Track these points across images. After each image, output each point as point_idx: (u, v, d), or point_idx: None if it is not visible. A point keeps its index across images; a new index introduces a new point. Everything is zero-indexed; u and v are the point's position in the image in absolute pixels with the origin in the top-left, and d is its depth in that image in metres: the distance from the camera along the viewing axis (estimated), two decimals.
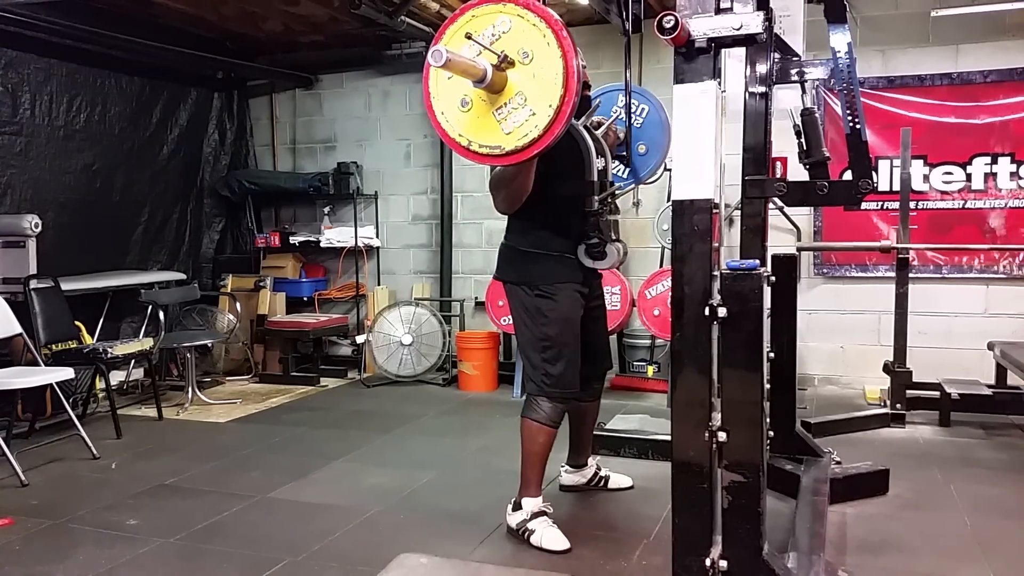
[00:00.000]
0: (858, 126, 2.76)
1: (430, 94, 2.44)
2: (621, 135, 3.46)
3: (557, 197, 2.89)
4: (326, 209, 6.63)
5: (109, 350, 4.58)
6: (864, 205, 4.58)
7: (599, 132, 3.14)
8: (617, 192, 3.00)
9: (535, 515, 2.92)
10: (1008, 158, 5.13)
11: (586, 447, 3.44)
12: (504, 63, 2.29)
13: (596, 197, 2.88)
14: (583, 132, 2.93)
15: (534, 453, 2.94)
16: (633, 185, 3.68)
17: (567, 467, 3.47)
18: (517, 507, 2.97)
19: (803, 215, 5.48)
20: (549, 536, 2.86)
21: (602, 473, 3.49)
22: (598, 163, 2.93)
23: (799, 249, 4.89)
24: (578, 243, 2.93)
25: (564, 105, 2.25)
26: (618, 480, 3.49)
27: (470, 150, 2.40)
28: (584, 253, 2.93)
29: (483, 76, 2.26)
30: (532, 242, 2.95)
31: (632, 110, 3.51)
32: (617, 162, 3.53)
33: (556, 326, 2.90)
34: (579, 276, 2.97)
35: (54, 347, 4.52)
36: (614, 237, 2.95)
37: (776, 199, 3.04)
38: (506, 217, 3.04)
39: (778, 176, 3.11)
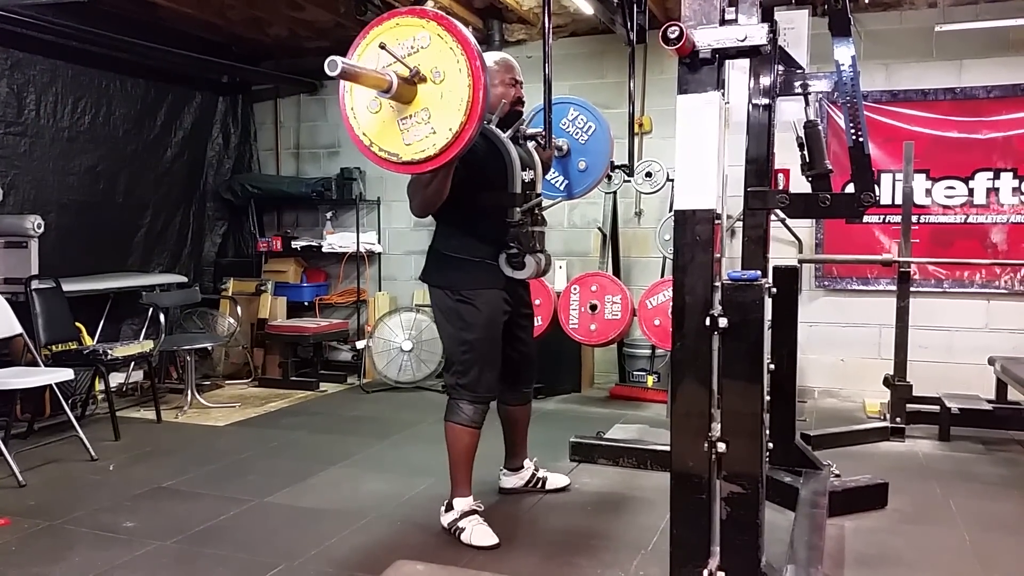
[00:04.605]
0: (861, 139, 2.76)
1: (344, 90, 2.50)
2: (564, 146, 3.57)
3: (480, 205, 2.96)
4: (328, 214, 6.64)
5: (109, 352, 4.58)
6: (866, 218, 4.58)
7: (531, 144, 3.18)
8: (544, 204, 3.09)
9: (465, 514, 3.01)
10: (1010, 174, 5.14)
11: (520, 450, 3.50)
12: (416, 77, 2.35)
13: (519, 208, 2.93)
14: (508, 145, 2.98)
15: (460, 454, 3.04)
16: (563, 199, 3.74)
17: (505, 470, 3.53)
18: (449, 508, 3.05)
19: (805, 227, 5.49)
20: (478, 533, 2.95)
21: (539, 474, 3.56)
22: (525, 175, 2.98)
23: (801, 261, 4.89)
24: (500, 251, 2.99)
25: (463, 131, 2.32)
26: (555, 480, 3.58)
27: (371, 151, 2.47)
28: (504, 262, 2.99)
29: (388, 87, 2.33)
30: (455, 247, 3.03)
31: (580, 127, 3.59)
32: (558, 173, 3.63)
33: (475, 331, 2.97)
34: (501, 283, 3.03)
35: (54, 348, 4.51)
36: (538, 248, 3.00)
37: (778, 211, 3.04)
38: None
39: (780, 188, 3.10)
